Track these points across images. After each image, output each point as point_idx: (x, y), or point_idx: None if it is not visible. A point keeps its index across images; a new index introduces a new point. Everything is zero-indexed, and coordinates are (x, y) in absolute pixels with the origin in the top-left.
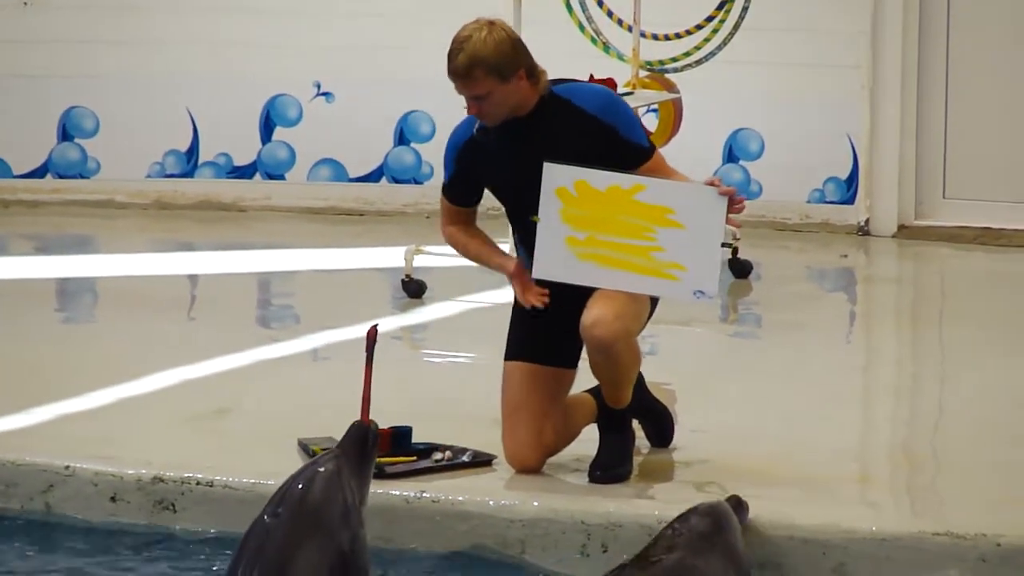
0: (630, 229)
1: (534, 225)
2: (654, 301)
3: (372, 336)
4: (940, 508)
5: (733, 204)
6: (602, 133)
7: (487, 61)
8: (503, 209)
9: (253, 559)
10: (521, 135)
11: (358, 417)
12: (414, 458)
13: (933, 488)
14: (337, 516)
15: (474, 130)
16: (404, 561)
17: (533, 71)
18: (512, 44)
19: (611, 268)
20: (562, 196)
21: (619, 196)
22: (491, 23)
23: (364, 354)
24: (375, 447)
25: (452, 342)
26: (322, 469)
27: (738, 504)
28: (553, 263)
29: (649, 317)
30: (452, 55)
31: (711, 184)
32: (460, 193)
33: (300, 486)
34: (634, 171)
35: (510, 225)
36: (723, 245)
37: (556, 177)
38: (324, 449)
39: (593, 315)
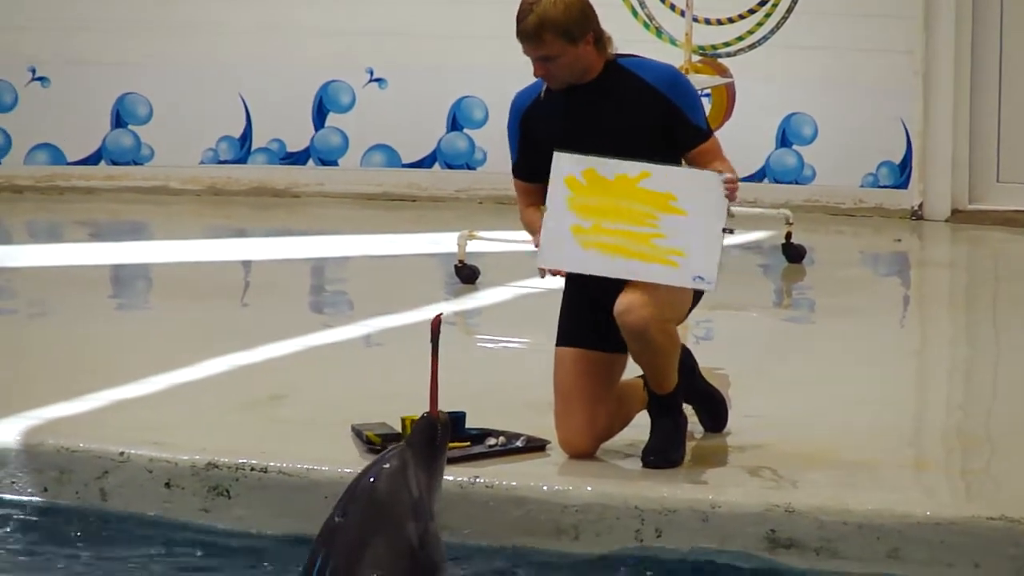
0: (634, 216)
1: None
2: (696, 299)
3: (436, 326)
4: (995, 492)
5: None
6: (666, 109)
7: (557, 23)
8: None
9: (324, 561)
10: (585, 100)
11: (415, 406)
12: (468, 444)
13: (988, 472)
14: (404, 512)
15: (540, 93)
16: (458, 547)
17: (600, 37)
18: (581, 8)
19: (614, 255)
20: (571, 185)
21: (626, 184)
22: None
23: (428, 344)
24: (445, 439)
25: (505, 327)
26: (387, 466)
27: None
28: (558, 252)
29: (695, 304)
30: (522, 16)
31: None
32: (528, 165)
33: (366, 484)
34: (688, 153)
35: None
36: (726, 231)
37: (565, 166)
38: (379, 435)
39: (625, 301)
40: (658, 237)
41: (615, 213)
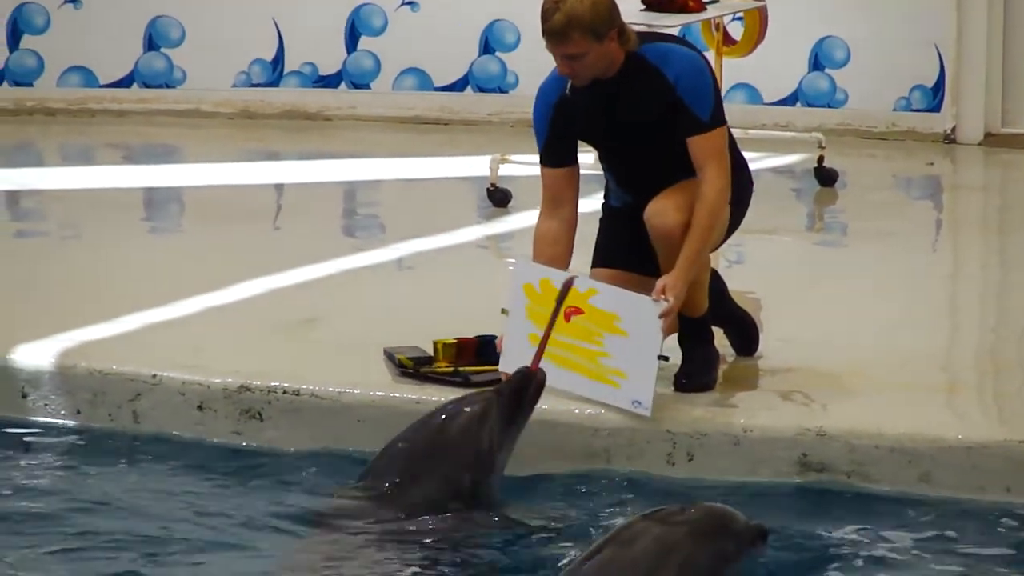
0: (583, 332)
1: (618, 160)
2: (742, 209)
3: (567, 286)
4: None
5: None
6: (672, 99)
7: (584, 21)
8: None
9: (377, 477)
10: (607, 95)
11: (447, 330)
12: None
13: (1020, 396)
14: (467, 459)
15: (566, 90)
16: None
17: (623, 31)
18: (608, 4)
19: (565, 369)
20: (528, 293)
21: (576, 298)
22: None
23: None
24: (537, 396)
25: None
26: (468, 409)
27: (757, 536)
28: (519, 357)
29: (733, 230)
30: (547, 13)
31: (660, 293)
32: (557, 152)
33: (440, 420)
34: (683, 138)
35: (597, 156)
36: (660, 358)
37: (523, 274)
38: (411, 359)
39: (656, 205)
40: (604, 356)
41: (566, 326)
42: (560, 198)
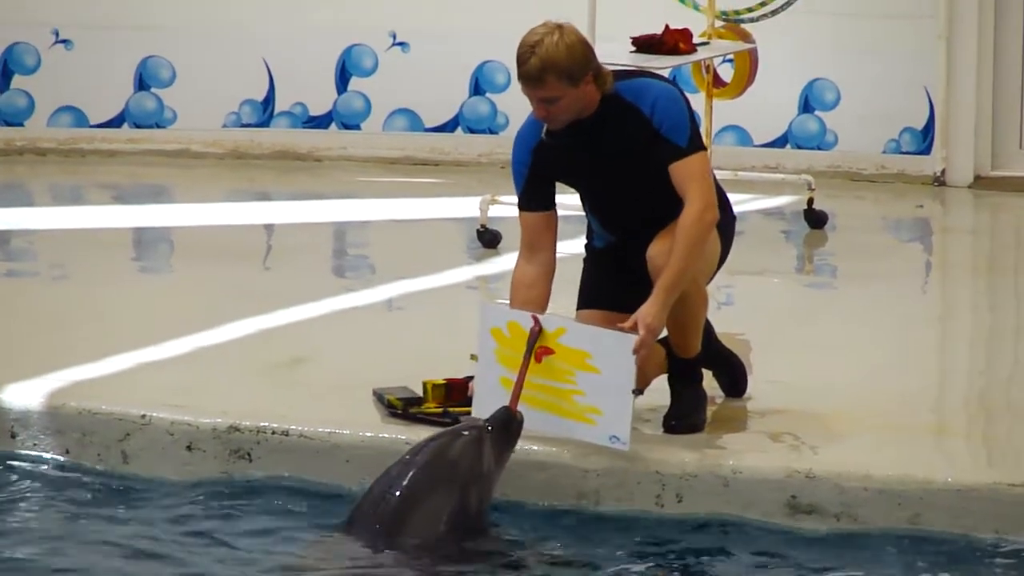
0: (555, 372)
1: (603, 203)
2: (726, 244)
3: (536, 332)
4: (1016, 459)
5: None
6: (648, 131)
7: (559, 65)
8: None
9: (380, 495)
10: (585, 137)
11: (436, 371)
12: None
13: (1009, 439)
14: (469, 477)
15: (542, 134)
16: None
17: (599, 73)
18: (582, 49)
19: (540, 410)
20: (496, 336)
21: (545, 338)
22: (560, 26)
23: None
24: (517, 436)
25: None
26: (467, 433)
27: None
28: (491, 403)
29: (721, 262)
30: (523, 58)
31: (633, 327)
32: (536, 197)
33: (440, 442)
34: (664, 167)
35: (579, 197)
36: (635, 392)
37: (490, 318)
38: (400, 399)
39: (659, 246)
40: (578, 394)
41: (538, 367)
42: (538, 243)
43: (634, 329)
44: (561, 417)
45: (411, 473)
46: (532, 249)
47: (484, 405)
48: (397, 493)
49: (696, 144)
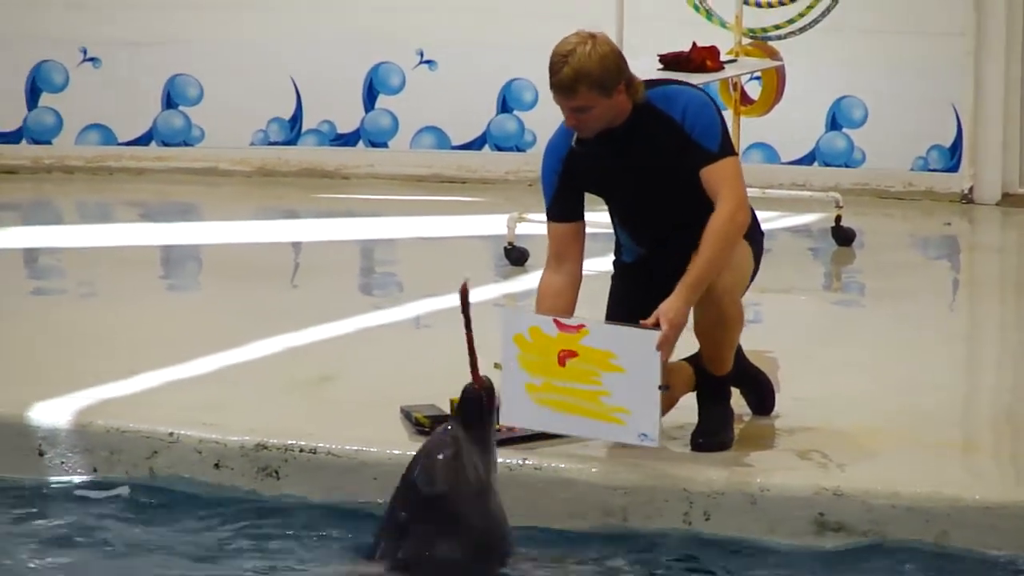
0: (579, 374)
1: (632, 214)
2: (756, 262)
3: (464, 293)
4: None
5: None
6: (680, 137)
7: (592, 76)
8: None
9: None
10: (616, 146)
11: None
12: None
13: None
14: (466, 501)
15: (572, 143)
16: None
17: (631, 82)
18: (615, 58)
19: (566, 413)
20: (519, 343)
21: (567, 341)
22: (593, 36)
23: (462, 317)
24: (492, 403)
25: None
26: (441, 456)
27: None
28: (518, 409)
29: (751, 281)
30: (555, 67)
31: (656, 323)
32: (565, 207)
33: (421, 481)
34: (698, 173)
35: (608, 209)
36: (661, 388)
37: (512, 324)
38: (428, 417)
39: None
40: (604, 395)
41: (562, 371)
42: (565, 254)
43: (657, 325)
44: (589, 419)
45: (412, 538)
46: (559, 259)
47: (511, 413)
48: (409, 540)
49: (727, 148)
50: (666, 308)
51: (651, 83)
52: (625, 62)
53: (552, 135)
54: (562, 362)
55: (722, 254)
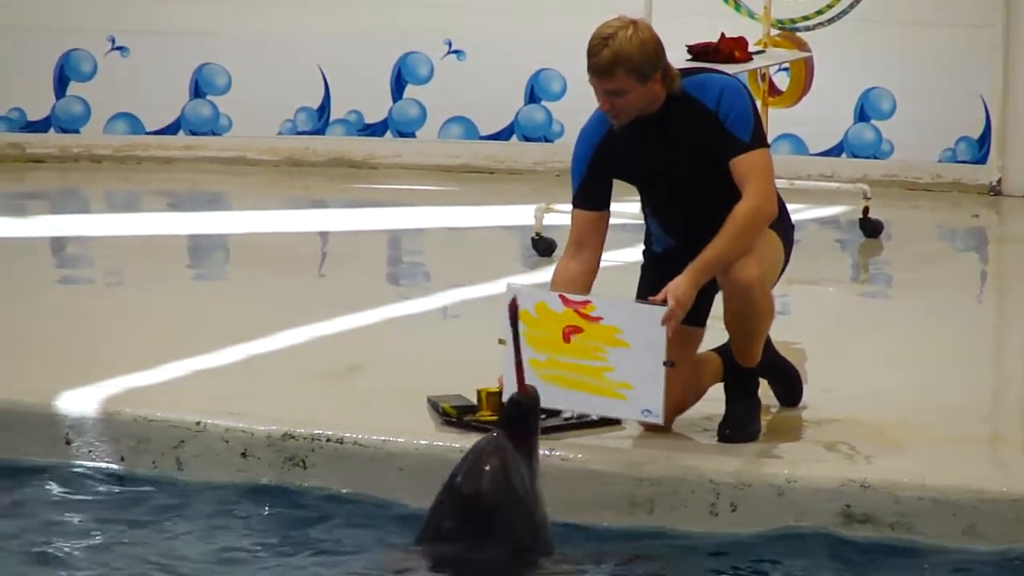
0: (585, 350)
1: (665, 203)
2: (787, 255)
3: (513, 309)
4: None
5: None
6: (713, 125)
7: (632, 61)
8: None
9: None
10: (649, 134)
11: (490, 378)
12: (543, 417)
13: None
14: (510, 507)
15: (606, 130)
16: None
17: (668, 72)
18: (655, 46)
19: (570, 389)
20: (525, 319)
21: (573, 317)
22: (634, 22)
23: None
24: (536, 415)
25: None
26: (488, 468)
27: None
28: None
29: (781, 272)
30: (595, 49)
31: (664, 300)
32: (591, 195)
33: (471, 493)
34: (727, 163)
35: (640, 199)
36: (666, 364)
37: (518, 300)
38: (455, 407)
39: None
40: (608, 370)
41: (567, 346)
42: (585, 242)
43: (664, 302)
44: (591, 395)
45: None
46: (578, 247)
47: (515, 388)
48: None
49: (759, 139)
50: (674, 286)
51: (685, 71)
52: (664, 51)
53: (586, 122)
54: (567, 338)
55: (738, 243)
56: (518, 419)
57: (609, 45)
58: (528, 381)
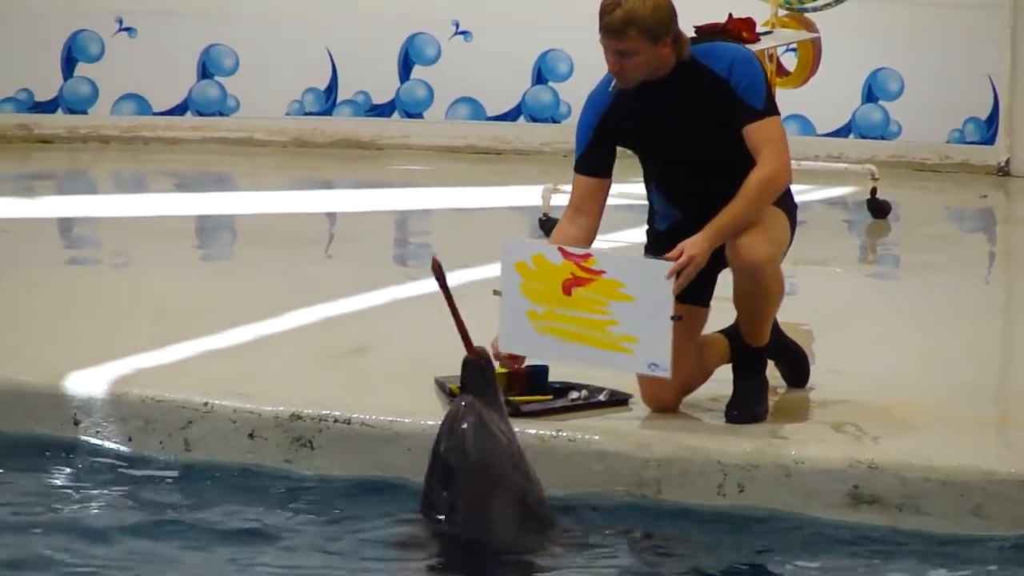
0: (586, 303)
1: (671, 172)
2: (792, 232)
3: (437, 268)
4: None
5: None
6: (723, 91)
7: (644, 21)
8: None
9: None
10: (656, 100)
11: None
12: (550, 397)
13: None
14: (501, 461)
15: (613, 96)
16: None
17: (678, 39)
18: (668, 9)
19: (570, 341)
20: (522, 270)
21: (573, 269)
22: None
23: (441, 293)
24: (492, 371)
25: None
26: (465, 425)
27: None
28: (517, 336)
29: (786, 252)
30: (607, 8)
31: (678, 255)
32: (593, 160)
33: (453, 451)
34: (739, 131)
35: (643, 171)
36: (674, 318)
37: (514, 252)
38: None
39: (747, 238)
40: (611, 324)
41: (567, 299)
42: (584, 207)
43: (678, 258)
44: (596, 348)
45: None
46: (577, 211)
47: (509, 340)
48: (454, 509)
49: (771, 107)
50: (690, 243)
51: (695, 40)
52: (676, 16)
53: (593, 88)
54: (567, 291)
55: (755, 208)
56: (477, 379)
57: (622, 5)
58: (524, 333)
